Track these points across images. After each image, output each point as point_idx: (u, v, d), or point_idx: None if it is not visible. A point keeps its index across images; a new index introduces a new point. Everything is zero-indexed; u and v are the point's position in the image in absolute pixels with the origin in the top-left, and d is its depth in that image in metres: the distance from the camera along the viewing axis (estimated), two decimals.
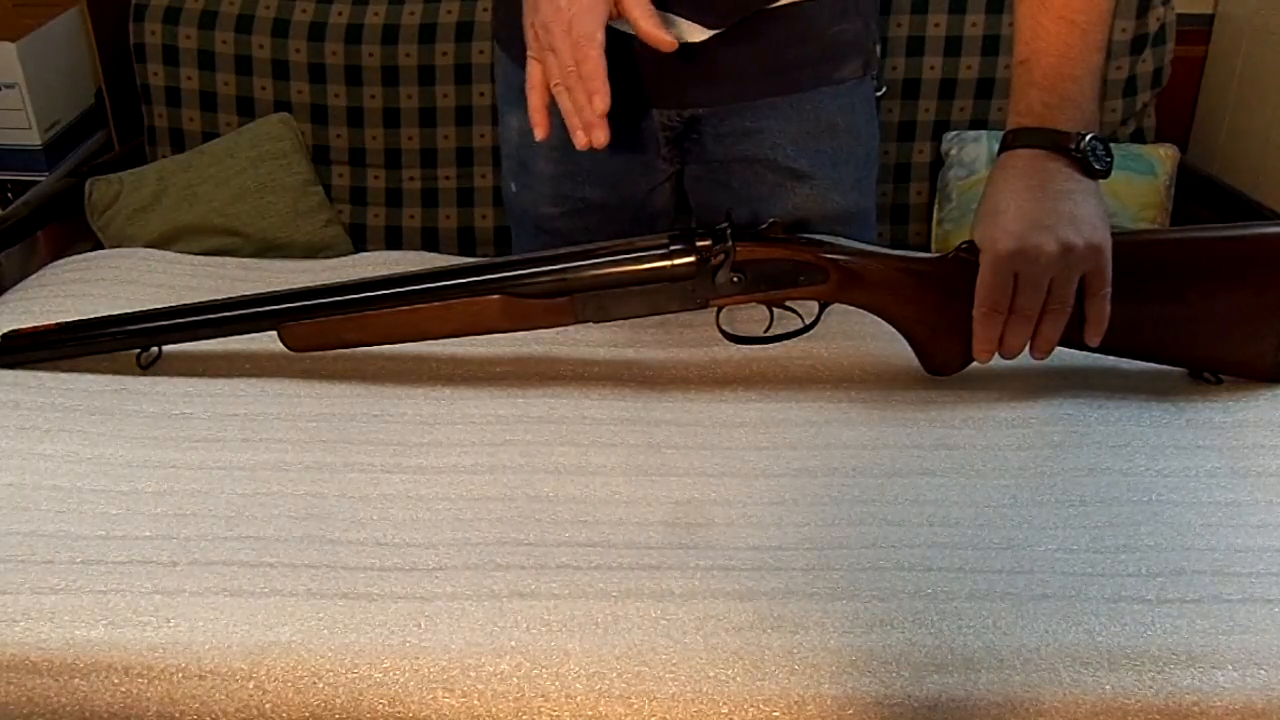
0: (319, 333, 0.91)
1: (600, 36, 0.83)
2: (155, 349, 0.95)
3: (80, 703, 0.68)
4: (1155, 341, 0.89)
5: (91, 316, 0.95)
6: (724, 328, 0.91)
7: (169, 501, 0.80)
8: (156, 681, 0.68)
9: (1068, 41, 0.85)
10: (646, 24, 0.85)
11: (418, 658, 0.68)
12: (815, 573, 0.73)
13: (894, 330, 0.90)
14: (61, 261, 1.19)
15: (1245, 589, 0.71)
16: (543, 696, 0.66)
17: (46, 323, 0.97)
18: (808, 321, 0.91)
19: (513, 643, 0.68)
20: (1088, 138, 0.83)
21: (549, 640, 0.68)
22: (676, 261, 0.86)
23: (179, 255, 1.19)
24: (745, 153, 1.08)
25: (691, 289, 0.87)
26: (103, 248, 1.51)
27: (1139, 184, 1.57)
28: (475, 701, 0.66)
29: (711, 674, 0.67)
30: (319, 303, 0.90)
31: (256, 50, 1.68)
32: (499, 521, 0.78)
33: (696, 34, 1.00)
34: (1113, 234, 0.82)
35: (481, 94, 1.67)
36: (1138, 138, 1.68)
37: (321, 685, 0.67)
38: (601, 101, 0.83)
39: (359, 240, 1.74)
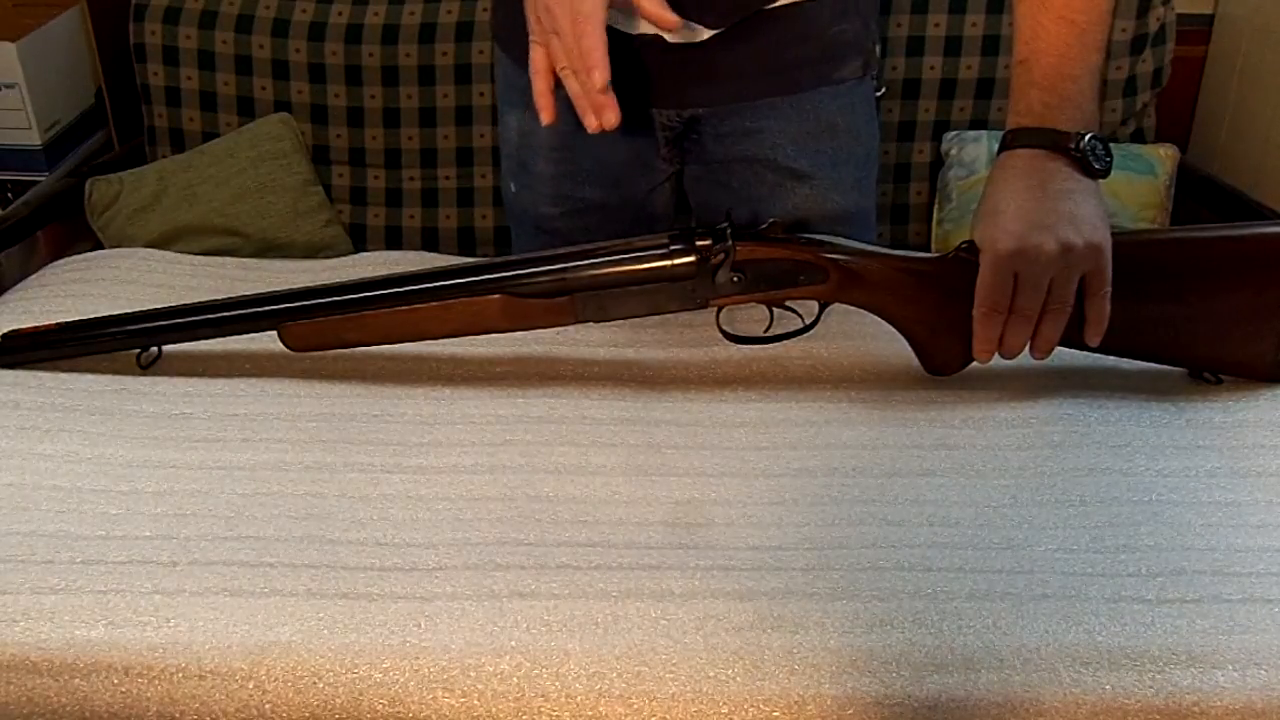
0: (319, 333, 0.91)
1: (601, 16, 0.82)
2: (155, 349, 0.95)
3: (80, 703, 0.68)
4: (1155, 341, 0.89)
5: (91, 316, 0.95)
6: (724, 328, 0.91)
7: (169, 501, 0.80)
8: (156, 681, 0.68)
9: (1067, 41, 0.85)
10: (649, 3, 0.84)
11: (418, 658, 0.68)
12: (815, 573, 0.73)
13: (894, 330, 0.90)
14: (61, 261, 1.19)
15: (1245, 589, 0.71)
16: (543, 696, 0.66)
17: (46, 323, 0.97)
18: (808, 321, 0.91)
19: (513, 643, 0.68)
20: (1087, 137, 0.83)
21: (549, 640, 0.68)
22: (676, 261, 0.86)
23: (179, 255, 1.19)
24: (745, 153, 1.08)
25: (691, 289, 0.87)
26: (103, 248, 1.51)
27: (1139, 184, 1.57)
28: (475, 701, 0.66)
29: (711, 674, 0.67)
30: (319, 303, 0.90)
31: (256, 50, 1.68)
32: (499, 521, 0.78)
33: (696, 34, 1.00)
34: (1113, 234, 0.82)
35: (481, 94, 1.67)
36: (1138, 138, 1.68)
37: (321, 685, 0.67)
38: (600, 76, 0.81)
39: (359, 240, 1.74)
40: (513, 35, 1.13)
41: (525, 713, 0.66)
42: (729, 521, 0.78)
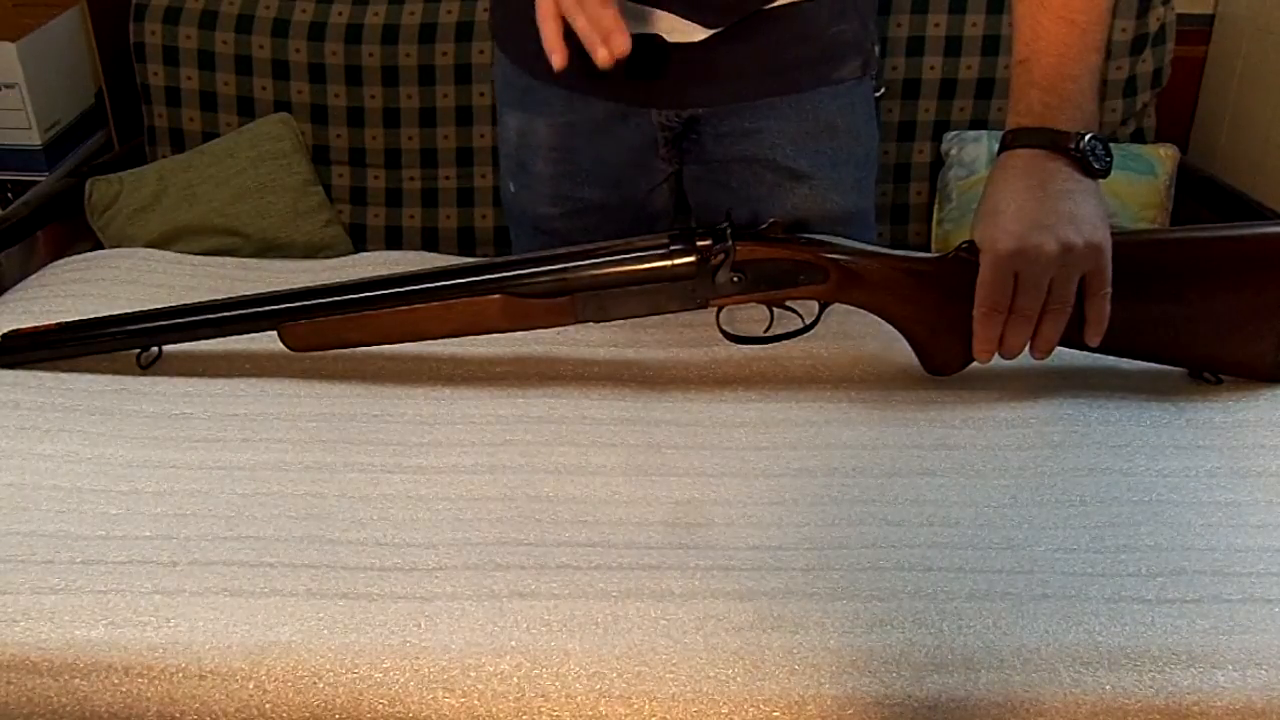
0: (319, 333, 0.91)
1: None
2: (155, 349, 0.95)
3: (80, 703, 0.68)
4: (1155, 341, 0.89)
5: (91, 316, 0.95)
6: (724, 328, 0.91)
7: (169, 501, 0.80)
8: (156, 681, 0.68)
9: (1067, 41, 0.85)
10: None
11: (418, 658, 0.68)
12: (815, 573, 0.73)
13: (894, 330, 0.90)
14: (61, 261, 1.19)
15: (1245, 589, 0.71)
16: (543, 696, 0.66)
17: (46, 323, 0.97)
18: (808, 321, 0.91)
19: (513, 643, 0.68)
20: (1087, 137, 0.83)
21: (549, 640, 0.68)
22: (677, 261, 0.86)
23: (179, 255, 1.19)
24: (744, 153, 1.08)
25: (691, 289, 0.87)
26: (103, 248, 1.51)
27: (1139, 184, 1.57)
28: (475, 701, 0.66)
29: (711, 674, 0.67)
30: (319, 303, 0.90)
31: (256, 50, 1.68)
32: (499, 521, 0.78)
33: (695, 33, 1.00)
34: (1113, 234, 0.82)
35: (481, 94, 1.67)
36: (1138, 138, 1.68)
37: (321, 685, 0.67)
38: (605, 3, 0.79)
39: (359, 240, 1.74)
40: (511, 35, 1.13)
41: (525, 713, 0.66)
42: (729, 521, 0.78)
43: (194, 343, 0.95)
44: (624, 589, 0.72)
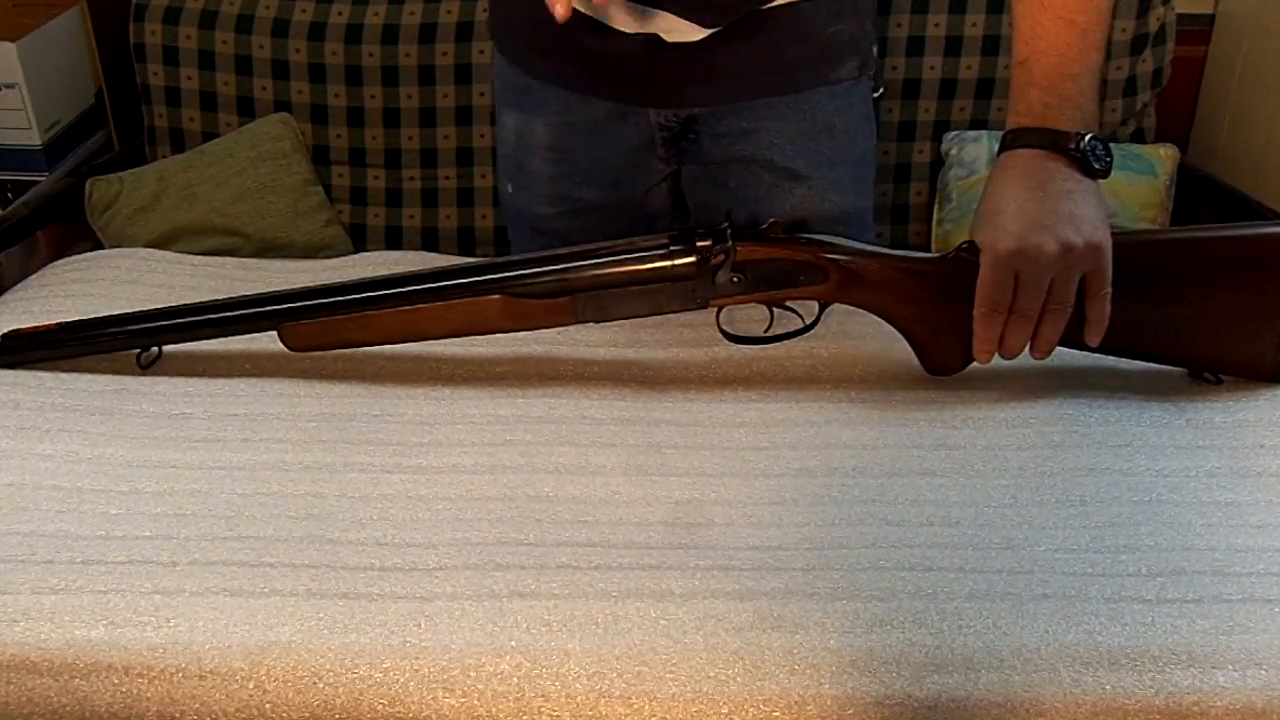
0: (319, 333, 0.91)
1: None
2: (155, 349, 0.95)
3: (80, 703, 0.68)
4: (1155, 341, 0.89)
5: (91, 316, 0.95)
6: (724, 328, 0.91)
7: (169, 501, 0.80)
8: (156, 681, 0.68)
9: (1067, 41, 0.85)
10: None
11: (418, 658, 0.68)
12: (815, 573, 0.73)
13: (894, 330, 0.90)
14: (61, 261, 1.19)
15: (1245, 589, 0.71)
16: (543, 696, 0.66)
17: (46, 323, 0.97)
18: (808, 321, 0.91)
19: (513, 643, 0.68)
20: (1087, 137, 0.83)
21: (549, 640, 0.68)
22: (677, 261, 0.86)
23: (179, 255, 1.19)
24: (742, 153, 1.08)
25: (692, 289, 0.87)
26: (103, 248, 1.51)
27: (1139, 184, 1.57)
28: (475, 701, 0.66)
29: (711, 674, 0.67)
30: (319, 303, 0.90)
31: (256, 50, 1.68)
32: (499, 521, 0.78)
33: (693, 33, 1.00)
34: (1113, 234, 0.82)
35: (481, 94, 1.67)
36: (1138, 138, 1.68)
37: (321, 685, 0.67)
38: None
39: (359, 240, 1.74)
40: (509, 35, 1.13)
41: (525, 713, 0.66)
42: (729, 521, 0.78)
43: (194, 343, 0.95)
44: (624, 589, 0.72)
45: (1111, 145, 0.85)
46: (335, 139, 1.71)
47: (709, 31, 1.00)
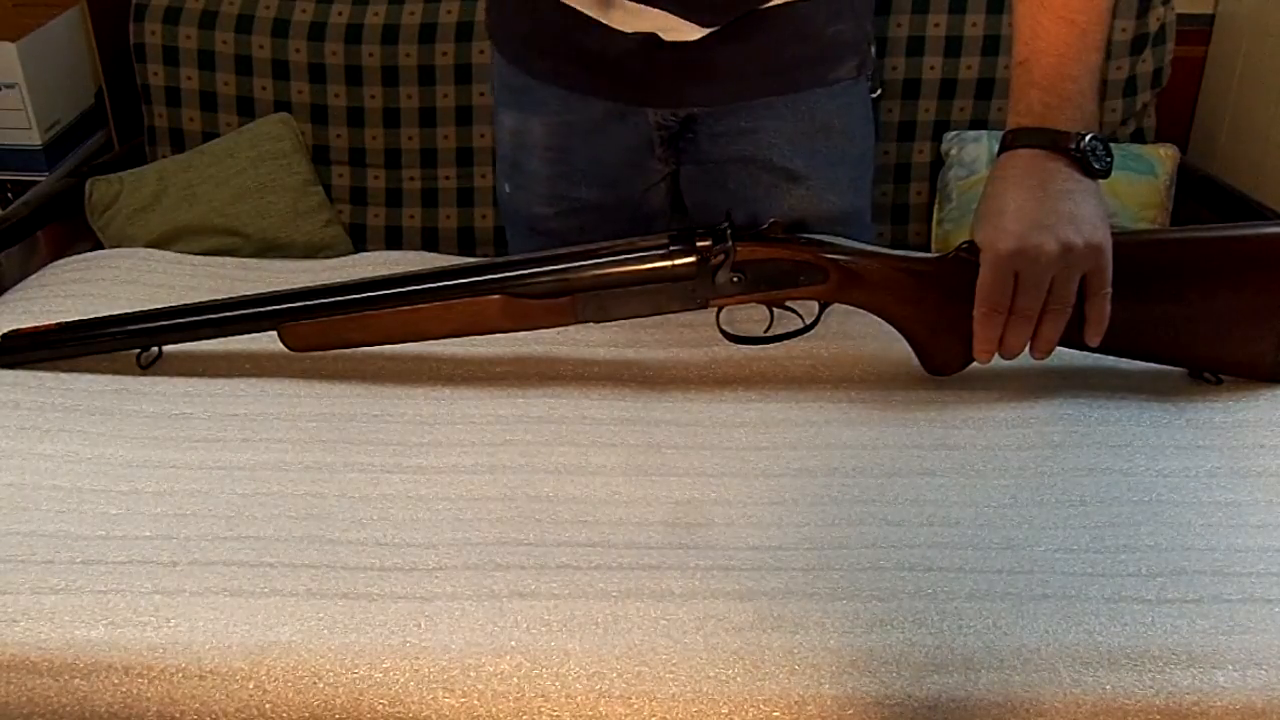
0: (319, 333, 0.91)
1: None
2: (155, 349, 0.95)
3: (80, 703, 0.68)
4: (1155, 341, 0.89)
5: (91, 316, 0.95)
6: (724, 328, 0.91)
7: (169, 501, 0.80)
8: (156, 681, 0.68)
9: (1067, 41, 0.85)
10: None
11: (418, 658, 0.68)
12: (815, 573, 0.73)
13: (894, 330, 0.90)
14: (61, 261, 1.19)
15: (1245, 589, 0.71)
16: (543, 696, 0.66)
17: (46, 323, 0.97)
18: (808, 321, 0.91)
19: (513, 643, 0.68)
20: (1088, 137, 0.83)
21: (549, 640, 0.68)
22: (677, 261, 0.86)
23: (179, 255, 1.19)
24: (741, 153, 1.08)
25: (692, 289, 0.87)
26: (103, 248, 1.51)
27: (1139, 184, 1.57)
28: (475, 701, 0.66)
29: (711, 674, 0.67)
30: (319, 303, 0.91)
31: (256, 50, 1.68)
32: (499, 521, 0.78)
33: (691, 32, 1.00)
34: (1113, 234, 0.82)
35: (481, 94, 1.67)
36: (1138, 138, 1.68)
37: (321, 685, 0.67)
38: None
39: (359, 240, 1.73)
40: (507, 34, 1.13)
41: (525, 713, 0.66)
42: (729, 521, 0.78)
43: (194, 343, 0.95)
44: (624, 589, 0.72)
45: (1111, 145, 0.85)
46: (335, 139, 1.71)
47: (707, 31, 1.00)
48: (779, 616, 0.69)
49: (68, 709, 0.68)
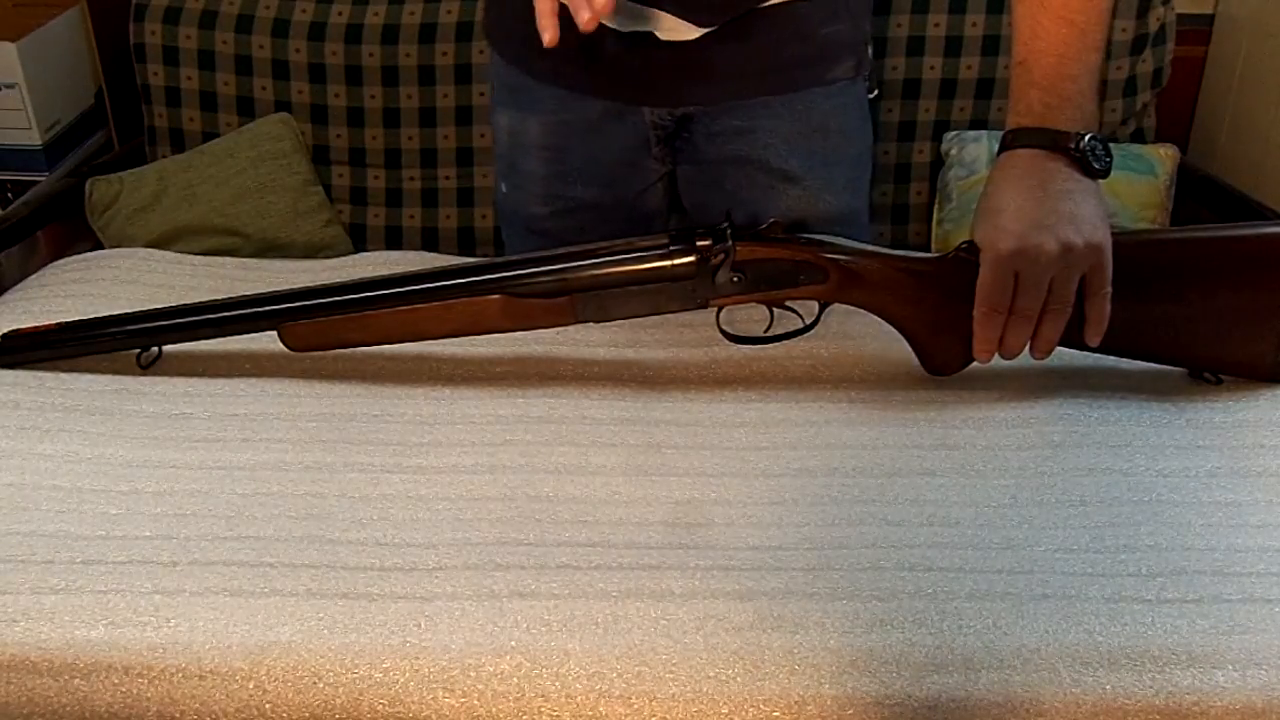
0: (319, 333, 0.91)
1: None
2: (155, 349, 0.95)
3: (80, 703, 0.68)
4: (1155, 341, 0.89)
5: (91, 316, 0.95)
6: (724, 328, 0.91)
7: (169, 501, 0.80)
8: (156, 681, 0.68)
9: (1066, 41, 0.85)
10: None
11: (418, 658, 0.68)
12: (815, 573, 0.73)
13: (894, 330, 0.90)
14: (61, 261, 1.19)
15: (1245, 589, 0.71)
16: (543, 696, 0.66)
17: (46, 323, 0.97)
18: (808, 321, 0.91)
19: (513, 643, 0.68)
20: (1087, 137, 0.83)
21: (549, 640, 0.68)
22: (676, 261, 0.86)
23: (179, 255, 1.19)
24: (737, 153, 1.08)
25: (692, 289, 0.87)
26: (103, 248, 1.51)
27: (1139, 184, 1.57)
28: (475, 701, 0.66)
29: (711, 674, 0.67)
30: (319, 303, 0.90)
31: (256, 50, 1.68)
32: (499, 521, 0.78)
33: (688, 32, 1.00)
34: (1113, 234, 0.82)
35: (481, 94, 1.67)
36: (1138, 138, 1.68)
37: (321, 685, 0.67)
38: None
39: (359, 240, 1.74)
40: (504, 34, 1.13)
41: (525, 713, 0.66)
42: (729, 521, 0.78)
43: (194, 343, 0.95)
44: (624, 589, 0.72)
45: (1111, 145, 0.85)
46: (335, 139, 1.71)
47: (704, 30, 1.00)
48: (779, 616, 0.69)
49: (68, 709, 0.68)
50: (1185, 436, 0.85)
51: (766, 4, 1.00)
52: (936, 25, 1.63)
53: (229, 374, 0.94)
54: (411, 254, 1.22)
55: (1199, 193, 1.62)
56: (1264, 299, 0.86)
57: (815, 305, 0.90)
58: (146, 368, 0.95)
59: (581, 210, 1.13)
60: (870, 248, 0.89)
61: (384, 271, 0.92)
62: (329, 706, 0.67)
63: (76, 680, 0.68)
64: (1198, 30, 1.74)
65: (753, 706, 0.65)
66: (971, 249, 0.84)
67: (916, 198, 1.71)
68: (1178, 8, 1.64)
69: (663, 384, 0.93)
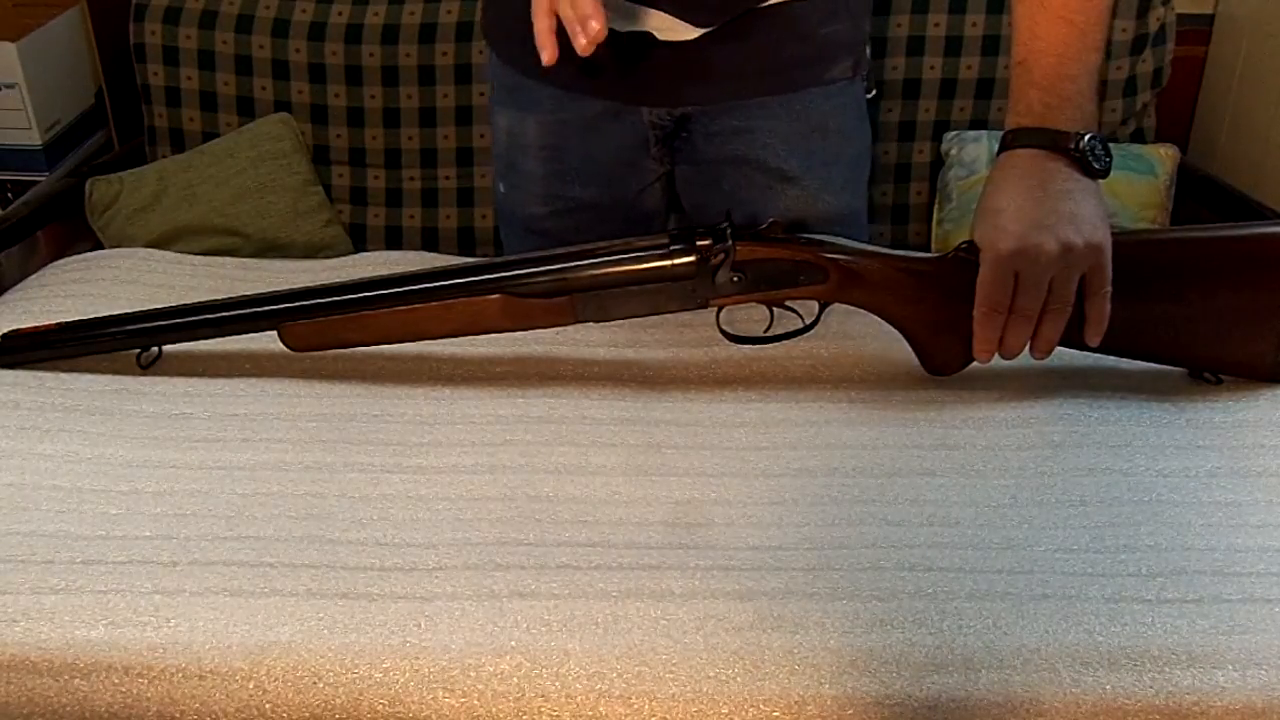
0: (319, 333, 0.91)
1: None
2: (155, 349, 0.95)
3: (80, 703, 0.68)
4: (1155, 341, 0.89)
5: (91, 316, 0.95)
6: (724, 328, 0.91)
7: (169, 501, 0.80)
8: (156, 681, 0.68)
9: (1066, 41, 0.85)
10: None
11: (418, 658, 0.68)
12: (815, 573, 0.73)
13: (894, 330, 0.90)
14: (61, 261, 1.19)
15: (1245, 589, 0.71)
16: (543, 696, 0.66)
17: (46, 323, 0.97)
18: (808, 321, 0.91)
19: (513, 643, 0.68)
20: (1087, 137, 0.83)
21: (549, 640, 0.68)
22: (676, 261, 0.86)
23: (179, 255, 1.19)
24: (736, 153, 1.08)
25: (691, 289, 0.87)
26: (103, 248, 1.51)
27: (1139, 184, 1.57)
28: (475, 701, 0.66)
29: (711, 674, 0.67)
30: (319, 303, 0.90)
31: (256, 50, 1.68)
32: (499, 521, 0.78)
33: (687, 32, 1.00)
34: (1113, 234, 0.82)
35: (481, 94, 1.67)
36: (1138, 138, 1.68)
37: (321, 685, 0.67)
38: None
39: (359, 240, 1.74)
40: (503, 34, 1.13)
41: (525, 713, 0.66)
42: (729, 521, 0.78)
43: (194, 343, 0.95)
44: (624, 589, 0.72)
45: (1111, 145, 0.85)
46: (335, 139, 1.71)
47: (702, 30, 1.00)
48: (779, 616, 0.69)
49: (68, 709, 0.68)
50: (1185, 436, 0.85)
51: (765, 4, 1.00)
52: (936, 25, 1.63)
53: (229, 374, 0.94)
54: (411, 254, 1.22)
55: (1199, 193, 1.63)
56: (1264, 299, 0.86)
57: (815, 305, 0.90)
58: (146, 368, 0.95)
59: (580, 210, 1.13)
60: (870, 248, 0.89)
61: (384, 271, 0.92)
62: (329, 706, 0.67)
63: (76, 680, 0.68)
64: (1198, 30, 1.74)
65: (753, 706, 0.65)
66: (971, 249, 0.84)
67: (916, 198, 1.72)
68: (1178, 8, 1.64)
69: (663, 384, 0.93)
